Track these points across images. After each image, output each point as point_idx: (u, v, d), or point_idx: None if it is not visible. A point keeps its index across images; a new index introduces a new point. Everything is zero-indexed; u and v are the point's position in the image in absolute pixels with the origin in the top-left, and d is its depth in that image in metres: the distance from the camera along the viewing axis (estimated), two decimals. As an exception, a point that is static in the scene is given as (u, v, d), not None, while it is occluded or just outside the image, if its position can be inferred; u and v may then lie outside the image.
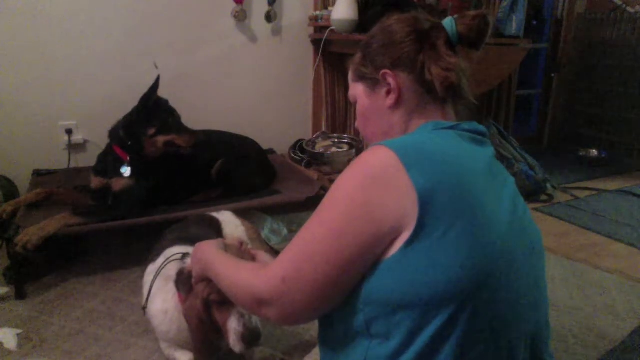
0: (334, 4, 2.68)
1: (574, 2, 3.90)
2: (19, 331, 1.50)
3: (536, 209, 2.71)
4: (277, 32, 2.86)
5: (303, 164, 2.64)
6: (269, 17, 2.76)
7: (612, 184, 3.16)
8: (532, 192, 2.85)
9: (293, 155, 2.80)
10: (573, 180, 3.21)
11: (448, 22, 0.89)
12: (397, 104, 0.89)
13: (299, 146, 2.84)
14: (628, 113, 3.61)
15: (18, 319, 1.58)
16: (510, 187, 0.84)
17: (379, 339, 0.72)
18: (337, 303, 0.75)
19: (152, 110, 1.93)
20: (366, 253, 0.71)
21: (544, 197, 2.88)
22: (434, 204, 0.68)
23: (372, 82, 0.92)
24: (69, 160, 2.41)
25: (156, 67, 2.56)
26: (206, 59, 2.69)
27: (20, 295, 1.69)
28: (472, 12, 0.89)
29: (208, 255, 1.00)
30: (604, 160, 3.62)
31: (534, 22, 3.90)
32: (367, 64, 0.92)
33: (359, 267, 0.72)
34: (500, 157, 2.88)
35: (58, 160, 2.43)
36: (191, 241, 1.40)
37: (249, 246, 1.24)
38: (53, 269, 1.89)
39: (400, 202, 0.69)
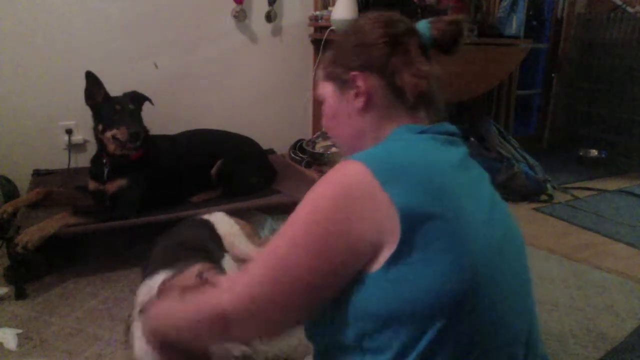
0: (334, 4, 2.68)
1: (574, 2, 3.90)
2: (19, 331, 1.50)
3: (536, 209, 2.71)
4: (277, 32, 2.86)
5: (303, 164, 2.64)
6: (269, 17, 2.76)
7: (612, 184, 3.16)
8: (532, 192, 2.85)
9: (293, 155, 2.81)
10: (573, 180, 3.21)
11: (422, 26, 0.87)
12: (367, 107, 0.86)
13: (299, 146, 2.84)
14: (628, 113, 3.60)
15: (18, 319, 1.58)
16: (487, 185, 0.84)
17: (371, 354, 0.71)
18: (314, 313, 0.73)
19: (102, 107, 1.91)
20: (343, 270, 0.70)
21: (544, 197, 2.87)
22: (416, 219, 0.67)
23: (342, 83, 0.89)
24: (69, 160, 2.40)
25: (156, 66, 2.57)
26: (206, 58, 2.69)
27: (20, 295, 1.69)
28: (447, 18, 0.88)
29: (162, 312, 0.89)
30: (604, 160, 3.62)
31: (534, 22, 3.90)
32: (337, 64, 0.90)
33: (336, 283, 0.71)
34: (500, 157, 2.88)
35: (58, 160, 2.43)
36: (185, 247, 1.40)
37: (212, 272, 1.17)
38: (53, 269, 1.89)
39: (377, 219, 0.67)
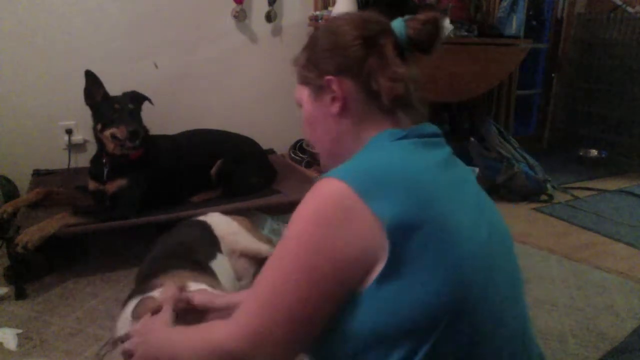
0: (334, 4, 2.69)
1: (574, 2, 3.90)
2: (19, 331, 1.50)
3: (536, 209, 2.71)
4: (277, 32, 2.86)
5: (303, 164, 2.65)
6: (269, 17, 2.76)
7: (612, 184, 3.16)
8: (532, 192, 2.85)
9: (293, 155, 2.81)
10: (573, 180, 3.21)
11: (397, 26, 0.83)
12: (344, 111, 0.83)
13: (299, 146, 2.84)
14: (628, 113, 3.60)
15: (18, 319, 1.58)
16: (472, 184, 0.82)
17: None
18: (317, 335, 0.72)
19: (101, 106, 1.91)
20: (338, 292, 0.68)
21: (544, 197, 2.87)
22: (403, 231, 0.65)
23: (317, 88, 0.86)
24: (69, 160, 2.40)
25: (156, 66, 2.57)
26: (206, 58, 2.69)
27: (20, 295, 1.69)
28: (423, 16, 0.83)
29: (158, 336, 0.87)
30: (604, 160, 3.62)
31: (534, 22, 3.90)
32: (311, 68, 0.87)
33: (334, 303, 0.69)
34: (500, 157, 2.88)
35: (58, 160, 2.43)
36: (174, 256, 1.40)
37: (192, 288, 1.14)
38: (53, 269, 1.89)
39: (363, 237, 0.66)
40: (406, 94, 0.82)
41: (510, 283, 0.78)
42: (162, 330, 0.89)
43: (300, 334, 0.70)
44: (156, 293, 1.08)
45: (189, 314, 0.98)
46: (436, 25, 0.82)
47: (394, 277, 0.66)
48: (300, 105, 0.92)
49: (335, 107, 0.84)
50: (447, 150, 0.83)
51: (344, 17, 0.88)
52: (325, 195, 0.69)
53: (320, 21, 2.80)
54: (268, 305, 0.69)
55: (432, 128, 0.84)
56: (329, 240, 0.67)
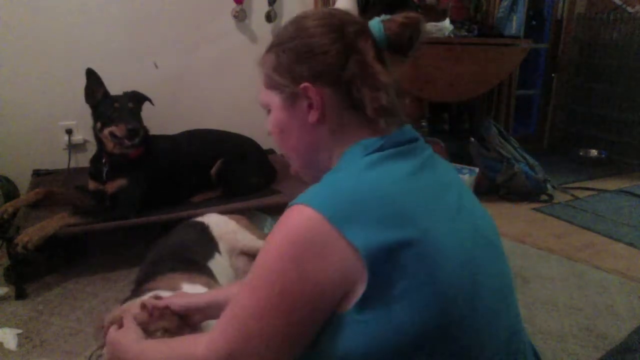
0: (334, 4, 2.68)
1: (574, 2, 3.90)
2: (19, 331, 1.50)
3: (536, 209, 2.71)
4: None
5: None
6: (269, 17, 2.76)
7: (612, 184, 3.16)
8: (532, 192, 2.85)
9: (293, 155, 2.80)
10: (573, 180, 3.21)
11: (375, 26, 0.78)
12: (321, 118, 0.78)
13: (299, 146, 2.84)
14: (628, 113, 3.60)
15: (18, 319, 1.58)
16: (454, 186, 0.79)
17: None
18: (298, 355, 0.71)
19: (101, 104, 1.91)
20: (315, 316, 0.67)
21: (544, 197, 2.87)
22: (381, 255, 0.63)
23: (290, 95, 0.79)
24: (69, 160, 2.40)
25: (156, 66, 2.57)
26: (206, 58, 2.69)
27: (20, 295, 1.69)
28: (401, 17, 0.78)
29: (129, 349, 0.87)
30: (604, 160, 3.62)
31: (534, 22, 3.90)
32: (282, 72, 0.80)
33: (312, 326, 0.68)
34: (500, 157, 2.88)
35: (58, 160, 2.43)
36: (177, 254, 1.41)
37: (187, 290, 1.16)
38: (53, 269, 1.89)
39: (339, 265, 0.64)
40: (388, 102, 0.77)
41: (498, 290, 0.75)
42: (130, 343, 0.88)
43: (278, 354, 0.69)
44: (144, 298, 1.07)
45: (171, 320, 0.98)
46: (417, 28, 0.78)
47: (375, 301, 0.64)
48: (267, 109, 0.85)
49: (313, 116, 0.78)
50: (426, 154, 0.78)
51: (317, 17, 0.80)
52: (298, 226, 0.66)
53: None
54: (244, 330, 0.68)
55: (410, 133, 0.79)
56: (303, 271, 0.64)
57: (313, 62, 0.77)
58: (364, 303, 0.64)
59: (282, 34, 0.82)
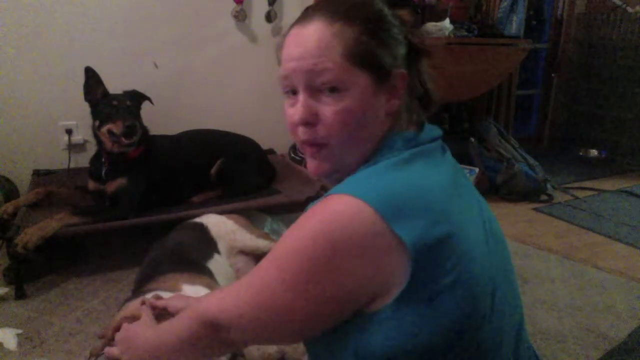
0: (334, 4, 2.68)
1: (574, 2, 3.90)
2: (19, 331, 1.50)
3: (536, 209, 2.71)
4: (277, 32, 2.86)
5: (303, 164, 2.64)
6: (269, 17, 2.76)
7: (612, 184, 3.16)
8: (532, 192, 2.85)
9: (293, 155, 2.81)
10: (573, 180, 3.21)
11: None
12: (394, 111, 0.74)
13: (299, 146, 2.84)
14: (628, 113, 3.61)
15: (18, 319, 1.58)
16: (471, 188, 0.80)
17: None
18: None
19: (99, 103, 1.91)
20: (337, 310, 0.65)
21: (544, 197, 2.87)
22: (426, 255, 0.62)
23: (382, 78, 0.71)
24: (69, 160, 2.40)
25: (156, 66, 2.57)
26: (206, 59, 2.69)
27: (20, 295, 1.69)
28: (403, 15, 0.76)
29: (143, 336, 0.85)
30: (604, 160, 3.62)
31: (534, 22, 3.90)
32: (384, 48, 0.71)
33: (329, 319, 0.66)
34: (500, 157, 2.88)
35: (58, 160, 2.43)
36: (176, 254, 1.42)
37: (186, 290, 1.16)
38: (53, 269, 1.89)
39: (383, 261, 0.62)
40: (436, 97, 0.78)
41: (509, 289, 0.77)
42: (146, 329, 0.87)
43: (284, 332, 0.69)
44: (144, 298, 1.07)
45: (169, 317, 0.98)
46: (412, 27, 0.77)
47: (414, 298, 0.63)
48: (337, 89, 0.70)
49: (393, 106, 0.73)
50: (448, 154, 0.79)
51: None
52: (345, 215, 0.62)
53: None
54: (258, 300, 0.66)
55: (436, 130, 0.79)
56: (342, 265, 0.61)
57: (399, 49, 0.73)
58: (402, 299, 0.63)
59: (356, 8, 0.72)
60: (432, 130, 0.78)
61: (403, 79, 0.73)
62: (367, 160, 0.74)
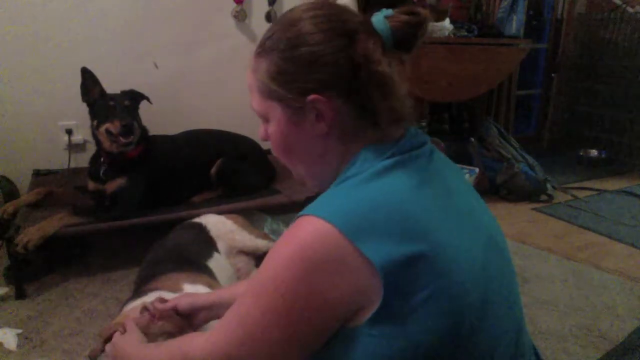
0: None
1: (574, 2, 3.90)
2: (19, 331, 1.50)
3: (536, 209, 2.71)
4: (277, 32, 2.86)
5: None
6: (269, 17, 2.76)
7: (612, 184, 3.16)
8: (532, 192, 2.85)
9: (293, 155, 2.81)
10: (573, 180, 3.21)
11: (380, 23, 0.71)
12: (330, 129, 0.73)
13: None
14: (628, 113, 3.61)
15: (18, 319, 1.58)
16: (464, 189, 0.78)
17: None
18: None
19: (97, 103, 1.91)
20: (319, 331, 0.65)
21: (544, 197, 2.87)
22: (397, 274, 0.61)
23: (295, 109, 0.72)
24: (69, 160, 2.40)
25: (156, 66, 2.57)
26: (206, 59, 2.69)
27: (20, 295, 1.69)
28: (406, 13, 0.72)
29: (132, 354, 0.87)
30: (604, 160, 3.62)
31: (534, 22, 3.90)
32: (285, 83, 0.72)
33: (316, 340, 0.66)
34: (500, 157, 2.88)
35: (58, 160, 2.43)
36: (176, 254, 1.42)
37: (188, 290, 1.17)
38: (53, 269, 1.89)
39: (354, 282, 0.62)
40: (401, 108, 0.73)
41: (507, 294, 0.75)
42: (135, 347, 0.88)
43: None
44: (147, 298, 1.07)
45: (174, 321, 0.98)
46: (420, 19, 0.72)
47: (389, 316, 0.63)
48: (265, 119, 0.78)
49: (322, 128, 0.73)
50: (434, 157, 0.76)
51: (314, 17, 0.72)
52: (312, 238, 0.62)
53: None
54: (245, 334, 0.67)
55: (418, 137, 0.76)
56: (314, 287, 0.62)
57: (320, 73, 0.70)
58: (377, 318, 0.63)
59: (276, 37, 0.73)
60: (417, 137, 0.76)
61: (325, 104, 0.71)
62: (340, 172, 0.75)
